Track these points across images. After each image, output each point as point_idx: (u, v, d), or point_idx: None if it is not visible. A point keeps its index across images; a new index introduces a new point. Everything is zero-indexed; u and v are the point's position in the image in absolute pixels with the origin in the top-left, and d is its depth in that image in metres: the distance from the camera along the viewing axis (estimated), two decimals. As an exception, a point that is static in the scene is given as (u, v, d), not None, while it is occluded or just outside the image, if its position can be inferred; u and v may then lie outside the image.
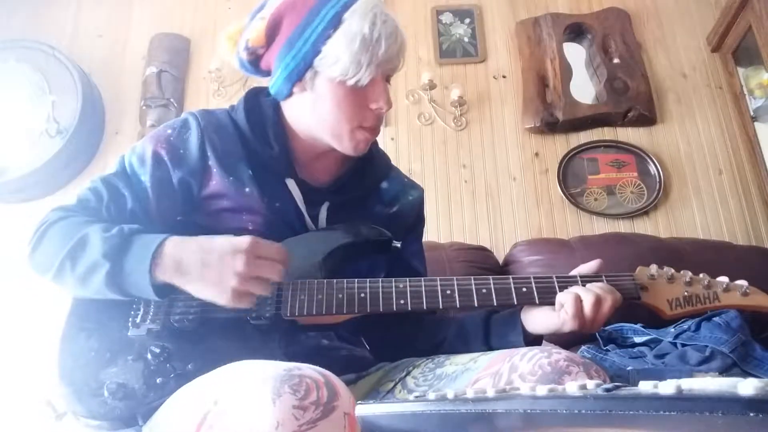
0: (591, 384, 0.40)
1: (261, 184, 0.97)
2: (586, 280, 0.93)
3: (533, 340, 0.95)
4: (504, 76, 2.49)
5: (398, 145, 2.39)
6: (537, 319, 0.93)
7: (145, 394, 0.81)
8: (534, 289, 0.91)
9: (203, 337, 0.87)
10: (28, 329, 1.80)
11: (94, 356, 0.85)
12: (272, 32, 0.93)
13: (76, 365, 0.85)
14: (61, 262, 0.86)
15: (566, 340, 1.70)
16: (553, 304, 0.90)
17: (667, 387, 0.35)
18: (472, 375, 0.83)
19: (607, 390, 0.38)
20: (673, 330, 1.66)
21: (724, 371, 1.48)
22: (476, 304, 0.90)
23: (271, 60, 0.95)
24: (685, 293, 0.94)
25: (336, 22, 0.89)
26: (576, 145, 2.35)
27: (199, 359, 0.84)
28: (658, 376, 1.46)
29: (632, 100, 2.35)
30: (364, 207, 1.06)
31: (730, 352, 1.51)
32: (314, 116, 0.95)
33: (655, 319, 1.72)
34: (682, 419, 0.33)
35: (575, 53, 2.54)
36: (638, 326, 1.71)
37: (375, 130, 0.97)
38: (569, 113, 2.34)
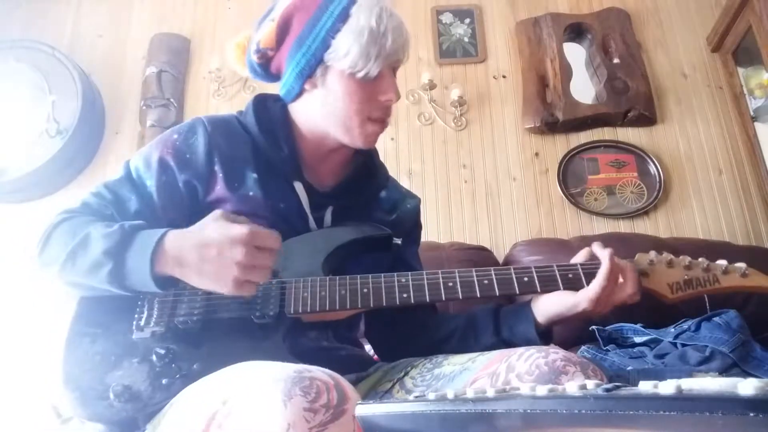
0: (591, 384, 0.40)
1: (265, 187, 0.98)
2: (586, 267, 0.94)
3: (544, 330, 0.96)
4: (504, 76, 2.50)
5: (398, 145, 2.39)
6: (550, 302, 0.93)
7: (151, 396, 0.81)
8: (535, 278, 0.92)
9: (208, 338, 0.88)
10: (32, 333, 1.80)
11: (99, 360, 0.85)
12: (283, 32, 0.96)
13: (81, 369, 0.84)
14: (64, 261, 0.86)
15: (566, 340, 1.70)
16: (554, 290, 0.92)
17: (667, 387, 0.35)
18: (469, 375, 0.83)
19: (607, 390, 0.38)
20: (673, 330, 1.66)
21: (724, 371, 1.48)
22: (479, 295, 0.91)
23: (282, 61, 0.98)
24: (685, 277, 0.95)
25: (344, 17, 0.92)
26: (576, 145, 2.35)
27: (204, 359, 0.84)
28: (658, 376, 1.46)
29: (632, 100, 2.35)
30: (365, 213, 1.07)
31: (730, 352, 1.51)
32: (325, 111, 0.97)
33: (655, 319, 1.73)
34: (682, 419, 0.33)
35: (575, 53, 2.54)
36: (638, 326, 1.71)
37: (384, 122, 1.00)
38: (569, 113, 2.34)
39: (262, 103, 1.05)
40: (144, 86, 2.44)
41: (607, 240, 1.99)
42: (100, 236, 0.85)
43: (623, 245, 2.03)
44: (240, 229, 0.81)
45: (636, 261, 0.97)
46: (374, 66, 0.92)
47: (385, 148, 2.37)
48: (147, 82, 2.44)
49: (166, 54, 2.48)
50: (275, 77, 1.02)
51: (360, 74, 0.92)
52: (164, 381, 0.82)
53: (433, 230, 2.22)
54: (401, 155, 2.36)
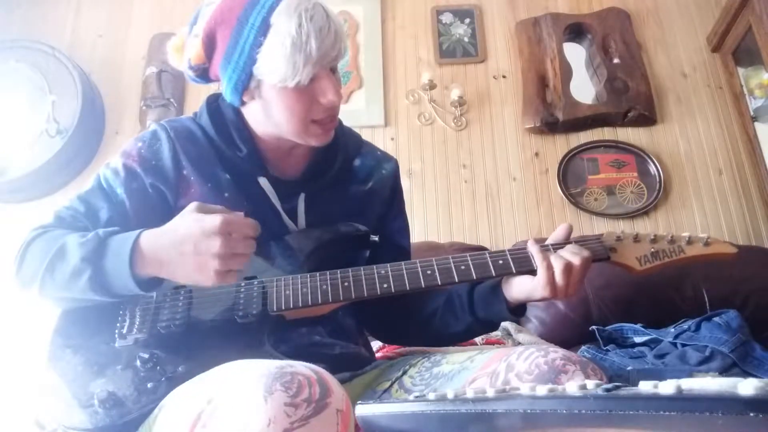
0: (591, 384, 0.40)
1: (239, 187, 0.98)
2: (557, 246, 0.97)
3: (516, 308, 0.98)
4: (504, 76, 2.50)
5: (398, 145, 2.39)
6: (513, 286, 0.96)
7: (137, 400, 0.81)
8: (510, 260, 0.95)
9: (192, 340, 0.88)
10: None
11: (82, 370, 0.85)
12: (209, 48, 0.92)
13: (64, 380, 0.84)
14: (42, 274, 0.86)
15: (566, 340, 1.70)
16: (530, 272, 0.94)
17: (667, 387, 0.35)
18: (468, 374, 0.83)
19: (607, 390, 0.38)
20: (673, 330, 1.66)
21: (724, 371, 1.48)
22: (457, 280, 0.94)
23: (216, 72, 0.94)
24: (652, 249, 0.99)
25: (265, 28, 0.86)
26: (576, 145, 2.35)
27: (189, 361, 0.84)
28: (658, 376, 1.46)
29: (632, 100, 2.35)
30: (339, 190, 1.07)
31: (730, 352, 1.51)
32: (270, 121, 0.95)
33: (655, 319, 1.73)
34: (682, 419, 0.33)
35: (575, 53, 2.53)
36: (638, 326, 1.71)
37: (331, 121, 0.97)
38: (569, 113, 2.34)
39: (215, 102, 1.04)
40: (144, 86, 2.44)
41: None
42: (75, 245, 0.85)
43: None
44: (213, 220, 0.81)
45: (604, 238, 1.01)
46: (304, 74, 0.87)
47: (386, 148, 2.35)
48: (147, 82, 2.44)
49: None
50: (217, 80, 1.00)
51: (291, 85, 0.88)
52: (149, 385, 0.82)
53: (433, 230, 2.22)
54: (401, 155, 2.36)
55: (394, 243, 1.12)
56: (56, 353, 0.88)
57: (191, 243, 0.81)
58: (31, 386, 0.87)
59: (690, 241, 1.00)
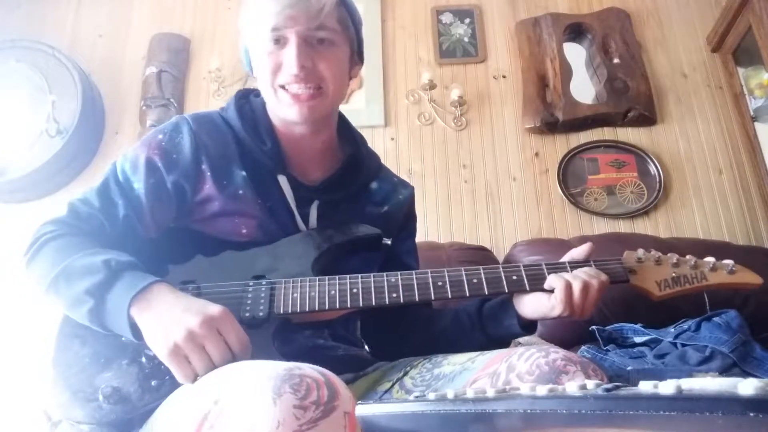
0: (591, 384, 0.40)
1: (254, 184, 0.97)
2: (575, 265, 0.95)
3: (527, 323, 0.97)
4: (504, 76, 2.50)
5: (398, 145, 2.39)
6: (528, 305, 0.95)
7: (141, 397, 0.81)
8: (524, 276, 0.93)
9: None
10: (23, 336, 1.79)
11: (88, 362, 0.85)
12: None
13: (70, 371, 0.84)
14: (47, 288, 0.86)
15: (566, 340, 1.70)
16: (543, 290, 0.92)
17: (667, 387, 0.35)
18: (469, 375, 0.83)
19: (607, 390, 0.38)
20: (673, 330, 1.66)
21: (724, 371, 1.48)
22: (468, 294, 0.91)
23: None
24: (673, 274, 0.95)
25: None
26: (576, 145, 2.35)
27: None
28: (658, 376, 1.46)
29: (632, 100, 2.35)
30: (353, 207, 1.07)
31: (730, 352, 1.51)
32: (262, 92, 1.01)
33: (655, 319, 1.73)
34: (682, 419, 0.33)
35: (575, 53, 2.54)
36: (638, 326, 1.71)
37: (300, 89, 0.95)
38: (569, 113, 2.34)
39: (244, 98, 1.06)
40: (144, 86, 2.44)
41: (606, 240, 2.00)
42: (83, 271, 0.83)
43: (623, 245, 2.02)
44: (216, 308, 0.79)
45: (624, 259, 0.98)
46: (262, 32, 0.93)
47: (386, 148, 2.37)
48: (147, 82, 2.44)
49: (166, 54, 2.48)
50: None
51: (259, 47, 0.95)
52: (153, 383, 0.82)
53: (433, 230, 2.22)
54: (401, 155, 2.36)
55: (402, 262, 1.11)
56: (64, 343, 0.87)
57: (182, 307, 0.79)
58: (38, 377, 0.87)
59: (714, 268, 0.95)
